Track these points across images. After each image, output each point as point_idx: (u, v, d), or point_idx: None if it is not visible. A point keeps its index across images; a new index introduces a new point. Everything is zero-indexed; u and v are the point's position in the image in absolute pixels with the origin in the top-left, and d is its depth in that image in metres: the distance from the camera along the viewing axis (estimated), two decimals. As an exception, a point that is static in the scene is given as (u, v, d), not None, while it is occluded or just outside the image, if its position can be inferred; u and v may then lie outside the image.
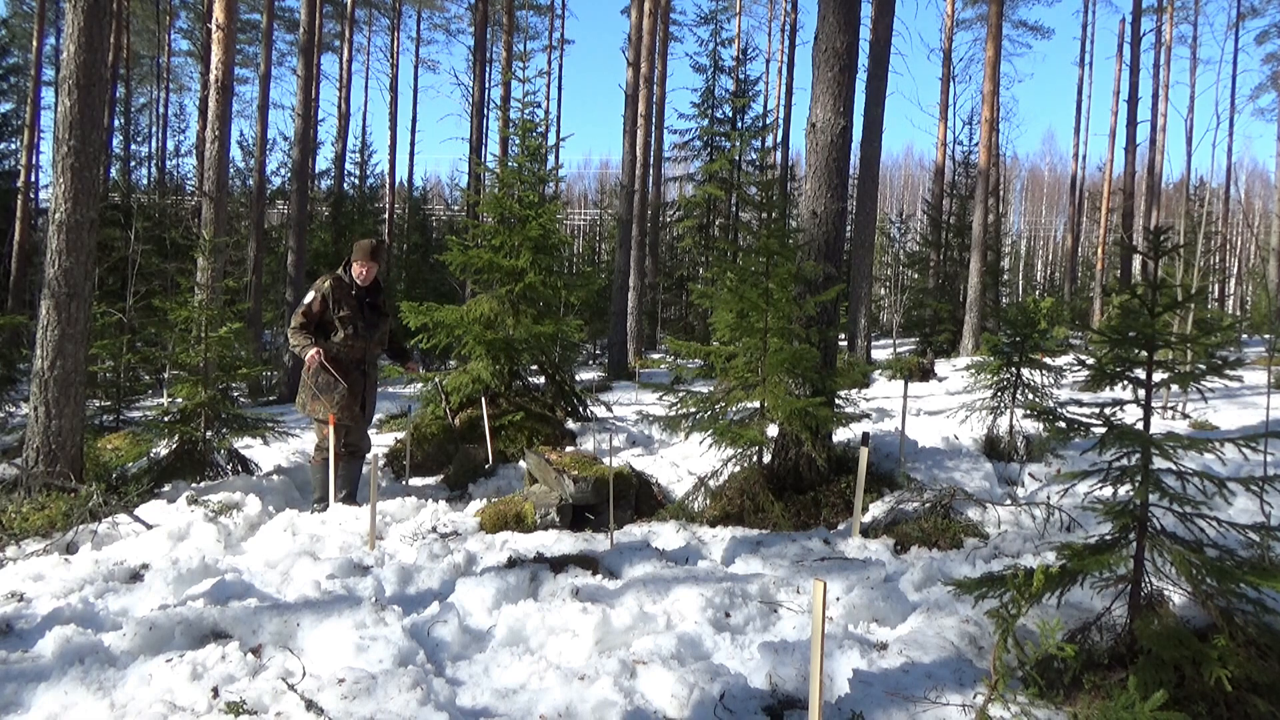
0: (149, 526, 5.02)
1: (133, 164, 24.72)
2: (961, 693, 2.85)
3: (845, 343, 14.68)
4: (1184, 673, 2.61)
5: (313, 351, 5.60)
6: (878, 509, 5.17)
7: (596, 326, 20.00)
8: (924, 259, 24.89)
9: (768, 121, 24.83)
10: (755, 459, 5.60)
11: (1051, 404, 5.56)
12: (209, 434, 6.59)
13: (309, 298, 5.73)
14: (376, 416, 10.18)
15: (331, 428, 5.55)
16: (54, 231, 5.31)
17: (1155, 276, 3.01)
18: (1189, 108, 28.28)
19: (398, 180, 32.13)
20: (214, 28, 11.87)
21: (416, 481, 6.79)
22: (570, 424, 8.15)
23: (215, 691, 2.84)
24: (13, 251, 16.59)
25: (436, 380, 7.95)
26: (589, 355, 21.32)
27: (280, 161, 25.01)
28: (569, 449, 6.68)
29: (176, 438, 6.53)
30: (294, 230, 14.93)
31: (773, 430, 5.69)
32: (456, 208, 32.19)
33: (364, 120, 32.72)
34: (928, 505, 4.99)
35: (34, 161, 18.05)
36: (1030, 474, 6.02)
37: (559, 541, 4.76)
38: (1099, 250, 28.74)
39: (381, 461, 7.05)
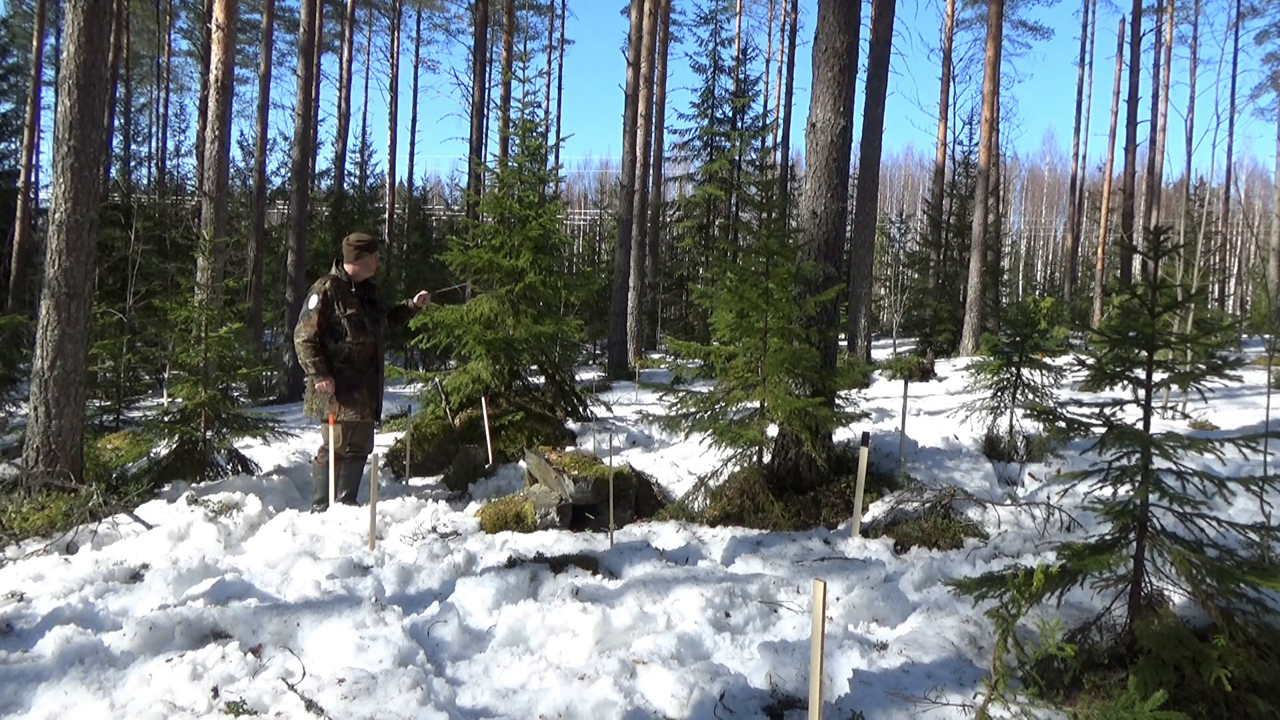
0: (149, 526, 5.02)
1: (133, 164, 24.74)
2: (961, 693, 2.85)
3: (845, 343, 14.68)
4: (1184, 673, 2.61)
5: (326, 383, 5.56)
6: (878, 509, 5.17)
7: (596, 326, 20.01)
8: (924, 259, 24.89)
9: (768, 121, 24.84)
10: (755, 459, 5.60)
11: (1051, 404, 5.56)
12: (209, 434, 6.59)
13: (312, 303, 5.59)
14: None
15: (334, 426, 5.54)
16: (54, 231, 5.31)
17: (1155, 276, 3.01)
18: (1189, 108, 28.36)
19: (398, 180, 32.21)
20: (214, 28, 11.87)
21: (416, 481, 6.79)
22: (570, 424, 8.15)
23: (215, 691, 2.84)
24: (13, 251, 16.59)
25: (436, 380, 7.94)
26: (589, 355, 21.32)
27: (280, 161, 25.06)
28: (569, 449, 6.68)
29: (176, 438, 6.53)
30: (294, 230, 14.95)
31: (773, 430, 5.69)
32: (456, 208, 32.18)
33: (364, 120, 32.78)
34: (928, 505, 4.99)
35: (34, 161, 18.06)
36: (1030, 474, 6.02)
37: (559, 541, 4.76)
38: (1099, 250, 28.74)
39: (381, 461, 7.05)
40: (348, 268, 5.77)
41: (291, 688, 2.84)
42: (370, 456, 5.77)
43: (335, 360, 5.66)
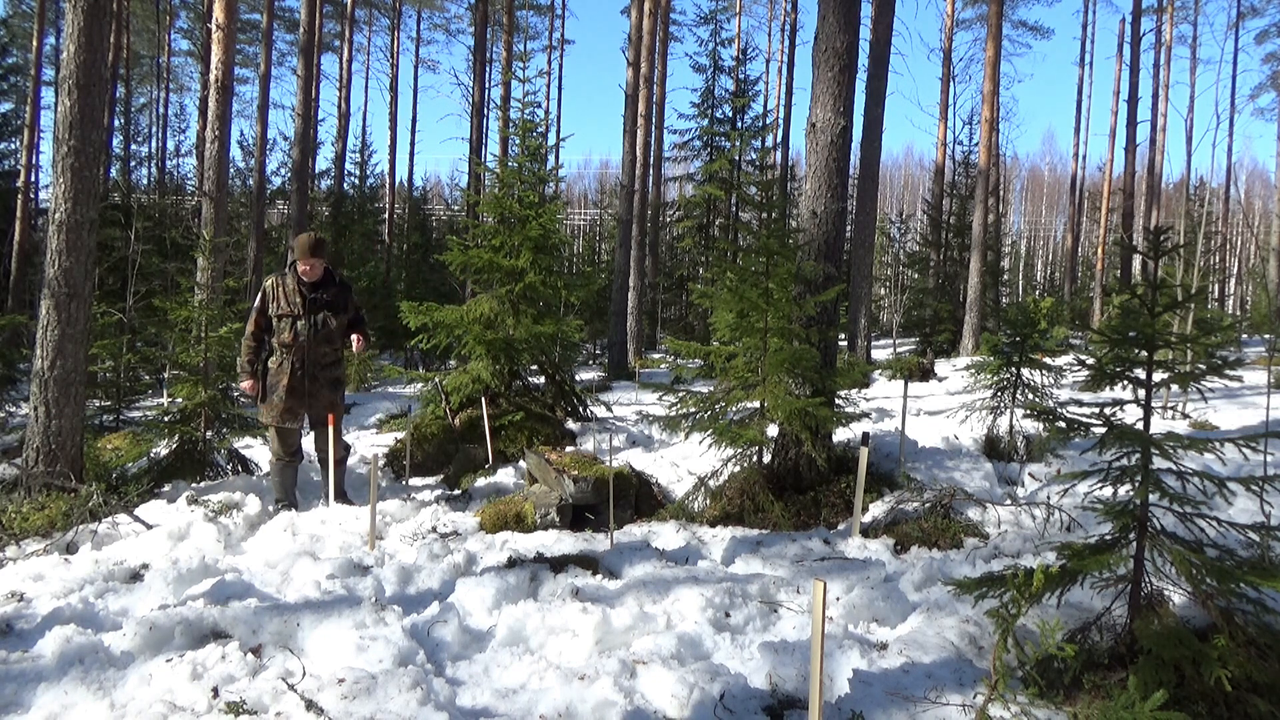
0: (149, 526, 5.02)
1: (133, 164, 24.75)
2: (961, 693, 2.85)
3: (845, 343, 14.67)
4: (1184, 673, 2.61)
5: (247, 384, 5.59)
6: (878, 509, 5.17)
7: (596, 326, 20.00)
8: (924, 259, 24.89)
9: (768, 121, 24.83)
10: (755, 459, 5.60)
11: (1051, 404, 5.56)
12: (209, 434, 6.59)
13: (256, 300, 5.61)
14: (376, 416, 10.19)
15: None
16: (54, 231, 5.31)
17: (1155, 276, 3.01)
18: (1189, 108, 28.35)
19: (398, 180, 32.12)
20: (214, 28, 11.86)
21: (416, 481, 6.78)
22: (570, 424, 8.15)
23: (215, 691, 2.84)
24: (13, 251, 16.57)
25: (436, 380, 7.95)
26: (589, 355, 21.31)
27: (280, 161, 25.03)
28: (569, 449, 6.68)
29: (176, 438, 6.53)
30: (294, 230, 14.93)
31: (773, 430, 5.69)
32: (456, 208, 32.18)
33: (364, 120, 32.74)
34: (928, 505, 4.99)
35: (34, 161, 18.04)
36: (1030, 474, 6.02)
37: (559, 541, 4.76)
38: (1099, 250, 28.72)
39: (381, 461, 7.05)
40: (299, 266, 5.57)
41: (291, 688, 2.84)
42: (370, 456, 5.76)
43: (259, 359, 5.62)
